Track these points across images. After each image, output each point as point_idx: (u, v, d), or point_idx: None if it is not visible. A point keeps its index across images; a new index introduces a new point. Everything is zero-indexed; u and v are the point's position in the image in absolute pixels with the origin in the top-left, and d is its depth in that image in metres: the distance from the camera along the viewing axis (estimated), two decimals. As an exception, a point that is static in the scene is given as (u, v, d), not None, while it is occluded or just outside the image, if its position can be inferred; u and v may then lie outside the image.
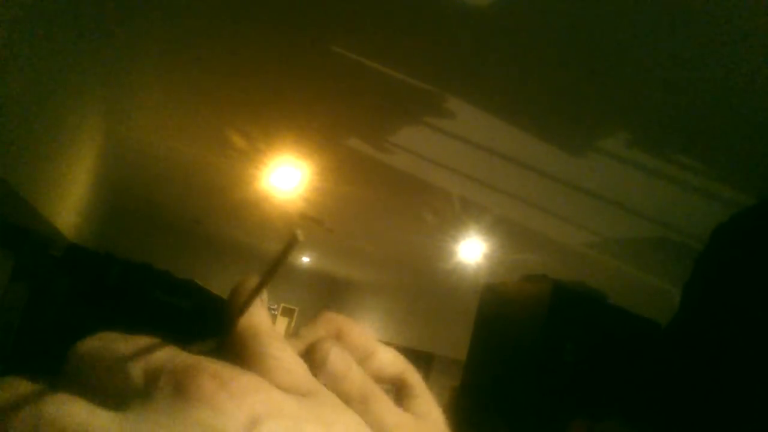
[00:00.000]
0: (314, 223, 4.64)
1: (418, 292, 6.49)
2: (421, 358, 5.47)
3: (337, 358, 0.23)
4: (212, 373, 0.18)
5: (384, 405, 0.23)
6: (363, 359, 0.25)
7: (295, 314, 8.46)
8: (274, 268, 0.20)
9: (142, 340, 0.20)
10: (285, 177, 3.55)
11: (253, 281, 0.22)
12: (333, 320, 0.25)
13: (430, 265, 4.62)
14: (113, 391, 0.18)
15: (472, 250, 3.89)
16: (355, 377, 0.23)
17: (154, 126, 3.63)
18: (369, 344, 0.25)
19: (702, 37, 1.57)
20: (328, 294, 8.63)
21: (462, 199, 3.25)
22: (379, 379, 0.25)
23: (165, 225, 7.12)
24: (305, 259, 7.68)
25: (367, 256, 6.05)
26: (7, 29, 1.56)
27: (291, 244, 0.20)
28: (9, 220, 2.13)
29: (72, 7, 2.10)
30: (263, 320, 0.22)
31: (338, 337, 0.25)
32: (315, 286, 8.55)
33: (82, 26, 2.27)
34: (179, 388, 0.17)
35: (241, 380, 0.18)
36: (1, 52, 1.58)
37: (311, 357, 0.22)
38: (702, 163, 2.24)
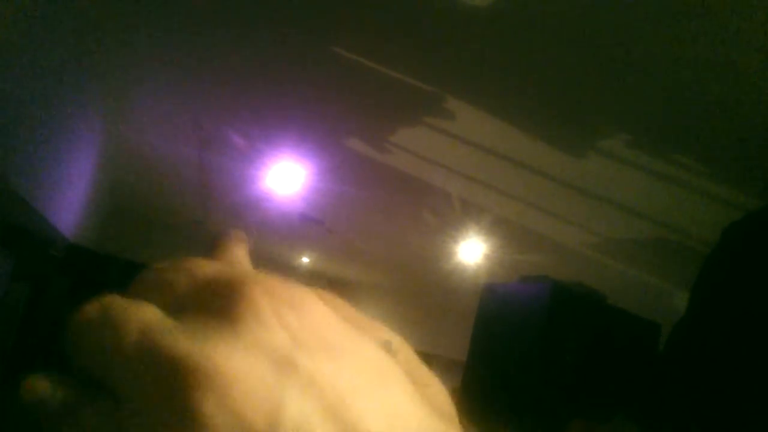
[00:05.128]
0: (314, 223, 4.65)
1: (418, 292, 6.49)
2: (420, 359, 5.47)
3: None
4: (264, 287, 0.18)
5: None
6: None
7: (295, 314, 8.43)
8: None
9: (192, 264, 0.21)
10: (285, 177, 3.55)
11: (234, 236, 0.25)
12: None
13: (430, 266, 4.62)
14: (165, 308, 0.19)
15: (472, 251, 3.89)
16: None
17: (154, 126, 3.63)
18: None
19: (702, 38, 1.57)
20: (328, 294, 8.62)
21: (462, 199, 3.25)
22: None
23: (165, 225, 7.12)
24: (305, 260, 7.67)
25: (367, 256, 6.05)
26: (7, 29, 1.56)
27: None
28: (9, 220, 2.13)
29: (71, 7, 2.10)
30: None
31: None
32: (315, 286, 8.53)
33: (81, 26, 2.27)
34: (229, 301, 0.18)
35: (294, 296, 0.19)
36: (2, 52, 1.58)
37: None
38: (702, 163, 2.24)
